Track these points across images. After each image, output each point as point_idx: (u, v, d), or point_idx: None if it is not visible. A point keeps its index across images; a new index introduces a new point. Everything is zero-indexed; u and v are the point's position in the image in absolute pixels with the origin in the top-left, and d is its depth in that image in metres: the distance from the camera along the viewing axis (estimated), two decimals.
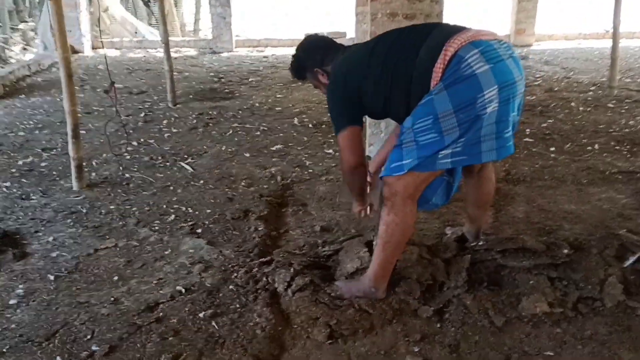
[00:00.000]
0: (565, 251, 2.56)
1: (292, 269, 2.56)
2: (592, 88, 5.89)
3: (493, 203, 3.37)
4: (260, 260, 2.76)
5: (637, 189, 3.51)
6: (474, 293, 2.44)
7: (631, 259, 2.54)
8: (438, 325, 2.33)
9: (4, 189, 3.70)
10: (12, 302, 2.50)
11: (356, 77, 2.33)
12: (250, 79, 6.45)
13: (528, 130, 4.56)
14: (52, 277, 2.69)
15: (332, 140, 4.47)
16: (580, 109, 5.17)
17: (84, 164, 4.07)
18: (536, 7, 8.54)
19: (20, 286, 2.62)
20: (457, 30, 2.23)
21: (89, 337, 2.28)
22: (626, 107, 5.22)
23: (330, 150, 4.26)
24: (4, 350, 2.21)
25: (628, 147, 4.21)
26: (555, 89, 5.90)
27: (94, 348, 2.21)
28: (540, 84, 6.19)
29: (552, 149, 4.19)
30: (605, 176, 3.72)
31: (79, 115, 5.11)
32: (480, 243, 2.68)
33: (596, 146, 4.23)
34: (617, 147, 4.21)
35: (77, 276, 2.72)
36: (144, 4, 7.50)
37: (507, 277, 2.53)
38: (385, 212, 2.30)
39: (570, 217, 3.19)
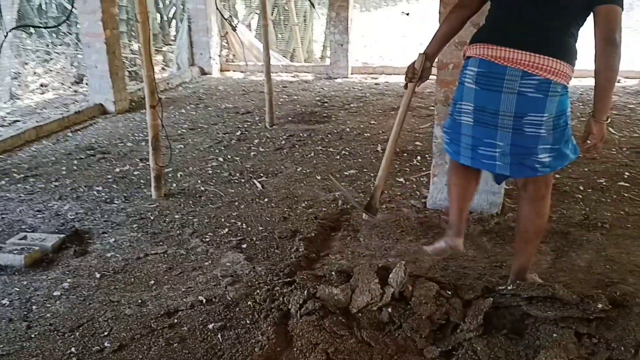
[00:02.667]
0: (600, 306, 2.29)
1: (306, 292, 2.56)
2: None
3: (556, 248, 3.13)
4: (284, 280, 2.79)
5: None
6: (488, 339, 2.27)
7: None
8: None
9: (95, 193, 4.09)
10: (55, 293, 2.77)
11: None
12: (352, 105, 6.52)
13: (627, 174, 4.13)
14: (98, 275, 2.93)
15: (407, 169, 4.39)
16: None
17: (171, 174, 4.40)
18: None
19: (68, 280, 2.88)
20: (512, 40, 2.25)
21: (106, 333, 2.46)
22: None
23: (402, 179, 4.18)
24: (32, 335, 2.45)
25: None
26: None
27: (106, 344, 2.38)
28: None
29: None
30: None
31: (184, 130, 5.53)
32: (510, 287, 2.49)
33: None
34: None
35: (120, 277, 2.93)
36: (231, 27, 7.86)
37: (530, 327, 2.32)
38: None
39: (639, 271, 2.85)
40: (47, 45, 9.45)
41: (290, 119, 6.00)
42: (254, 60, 9.17)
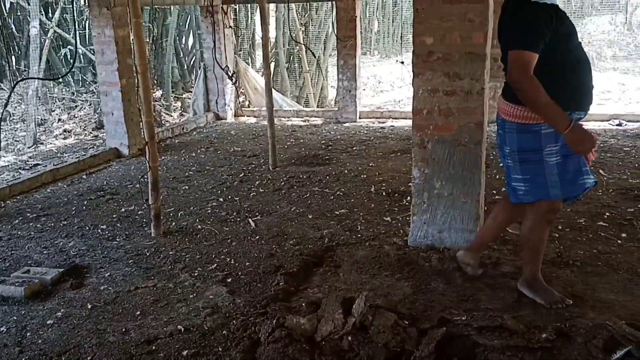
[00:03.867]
0: (544, 335, 2.43)
1: (274, 321, 2.74)
2: None
3: None
4: (258, 311, 2.98)
5: None
6: None
7: (619, 353, 2.34)
8: None
9: (99, 231, 4.36)
10: (49, 322, 3.00)
11: (563, 24, 2.70)
12: (355, 148, 6.77)
13: (608, 214, 4.24)
14: (89, 306, 3.17)
15: (395, 209, 4.57)
16: None
17: (172, 214, 4.66)
18: None
19: (62, 310, 3.12)
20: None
21: (89, 359, 2.67)
22: None
23: (389, 219, 4.36)
24: (24, 359, 2.67)
25: None
26: None
27: None
28: None
29: (624, 235, 3.87)
30: None
31: (191, 172, 5.82)
32: (463, 318, 2.64)
33: None
34: None
35: (110, 307, 3.16)
36: (228, 77, 8.23)
37: (479, 355, 2.46)
38: None
39: (601, 307, 2.96)
40: (73, 94, 9.99)
41: (293, 161, 6.26)
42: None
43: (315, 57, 10.00)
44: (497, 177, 5.34)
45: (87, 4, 6.83)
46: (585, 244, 3.76)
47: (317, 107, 10.80)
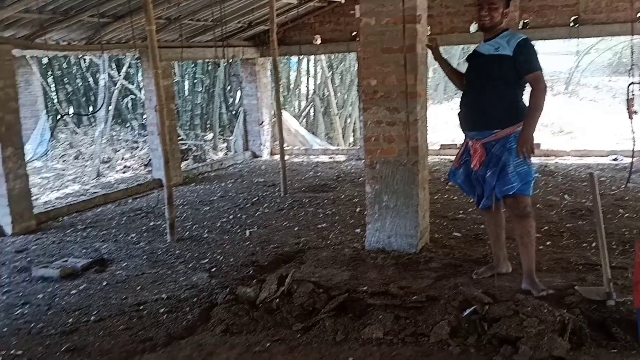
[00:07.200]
0: (415, 297, 3.23)
1: (228, 290, 3.67)
2: None
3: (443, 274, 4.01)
4: (223, 285, 3.92)
5: (581, 277, 3.80)
6: (335, 318, 3.25)
7: (468, 311, 3.10)
8: (298, 335, 3.20)
9: (129, 238, 5.46)
10: (73, 292, 4.07)
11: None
12: (360, 179, 7.64)
13: (546, 227, 4.91)
14: (105, 283, 4.21)
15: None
16: (626, 215, 5.27)
17: (188, 226, 5.71)
18: None
19: (84, 285, 4.19)
20: None
21: (95, 312, 3.69)
22: None
23: (359, 230, 5.21)
24: (49, 313, 3.72)
25: (626, 247, 4.36)
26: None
27: (92, 318, 3.61)
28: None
29: (548, 242, 4.55)
30: (570, 266, 4.03)
31: (215, 198, 6.87)
32: (365, 288, 3.46)
33: (593, 244, 4.47)
34: (614, 246, 4.37)
35: (120, 285, 4.19)
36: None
37: (369, 312, 3.28)
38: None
39: (492, 289, 3.68)
40: (135, 135, 11.47)
41: (303, 189, 7.22)
42: (299, 145, 10.63)
43: (321, 100, 11.16)
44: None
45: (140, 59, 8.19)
46: (510, 249, 4.46)
47: (352, 145, 11.80)
